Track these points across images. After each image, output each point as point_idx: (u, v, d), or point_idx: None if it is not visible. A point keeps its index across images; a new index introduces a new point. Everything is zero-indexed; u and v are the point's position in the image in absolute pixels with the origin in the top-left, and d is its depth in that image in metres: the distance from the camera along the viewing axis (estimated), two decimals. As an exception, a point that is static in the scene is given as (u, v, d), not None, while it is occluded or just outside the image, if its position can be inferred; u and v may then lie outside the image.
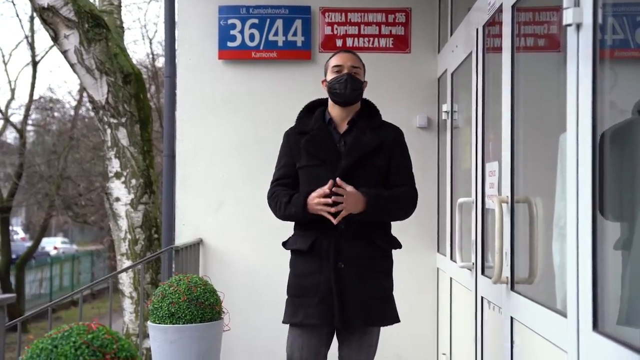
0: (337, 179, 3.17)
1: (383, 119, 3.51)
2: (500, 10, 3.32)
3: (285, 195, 3.34)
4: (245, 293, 5.40)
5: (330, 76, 3.40)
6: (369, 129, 3.35)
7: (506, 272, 3.08)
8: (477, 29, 3.91)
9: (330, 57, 3.49)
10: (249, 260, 5.49)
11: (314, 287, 3.26)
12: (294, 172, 3.40)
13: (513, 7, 3.12)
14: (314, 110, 3.49)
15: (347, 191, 3.16)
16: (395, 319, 3.34)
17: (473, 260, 3.90)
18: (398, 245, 3.41)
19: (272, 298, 5.39)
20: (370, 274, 3.28)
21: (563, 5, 2.25)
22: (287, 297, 3.39)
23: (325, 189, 3.17)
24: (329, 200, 3.17)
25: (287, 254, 3.47)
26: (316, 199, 3.21)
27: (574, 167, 2.22)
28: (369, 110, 3.49)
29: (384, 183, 3.35)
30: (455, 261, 4.37)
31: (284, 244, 3.46)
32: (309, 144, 3.34)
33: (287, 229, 3.53)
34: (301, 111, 3.52)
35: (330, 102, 3.45)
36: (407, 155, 3.45)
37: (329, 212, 3.18)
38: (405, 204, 3.37)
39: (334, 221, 3.18)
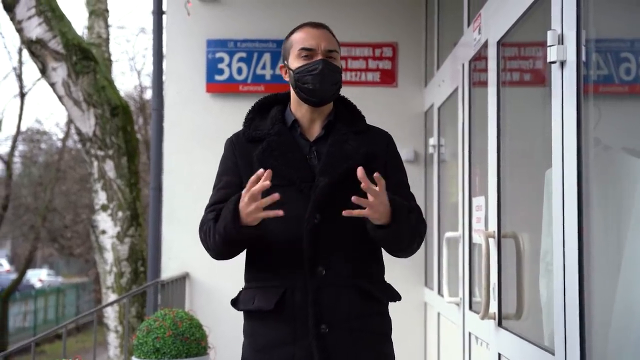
0: (359, 169, 2.09)
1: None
2: (485, 45, 3.35)
3: (213, 213, 2.30)
4: (232, 327, 5.31)
5: (295, 62, 2.36)
6: (352, 134, 2.39)
7: (493, 308, 3.07)
8: (463, 64, 3.94)
9: (293, 33, 2.42)
10: (235, 294, 5.43)
11: None
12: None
13: (498, 42, 3.15)
14: (268, 110, 2.48)
15: (380, 188, 2.13)
16: None
17: (460, 295, 3.88)
18: (396, 296, 2.41)
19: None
20: (366, 338, 2.29)
21: (547, 42, 2.28)
22: None
23: (259, 173, 2.12)
24: (254, 188, 2.10)
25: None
26: (247, 196, 2.12)
27: (560, 203, 2.23)
28: (348, 110, 2.49)
29: None
30: (442, 295, 4.36)
31: (234, 303, 2.42)
32: (266, 155, 2.33)
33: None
34: (250, 111, 2.49)
35: (293, 98, 2.43)
36: (404, 169, 2.50)
37: (273, 207, 2.12)
38: (423, 228, 2.38)
39: (279, 213, 2.13)
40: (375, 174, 2.11)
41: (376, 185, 2.12)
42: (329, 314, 2.24)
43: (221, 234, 2.22)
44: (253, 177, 2.12)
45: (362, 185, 2.09)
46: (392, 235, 2.24)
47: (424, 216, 2.43)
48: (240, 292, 2.42)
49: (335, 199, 2.21)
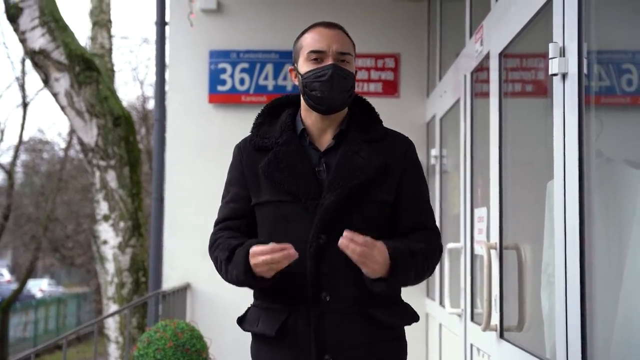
0: (346, 232, 1.94)
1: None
2: (487, 57, 3.36)
3: (226, 249, 2.11)
4: (233, 339, 5.31)
5: (305, 66, 2.17)
6: (366, 144, 2.18)
7: (495, 319, 3.06)
8: (465, 75, 3.95)
9: (304, 33, 2.23)
10: (237, 304, 5.39)
11: None
12: (248, 209, 2.20)
13: (500, 54, 3.15)
14: (279, 114, 2.28)
15: (375, 248, 1.97)
16: None
17: (462, 306, 3.87)
18: (412, 318, 2.21)
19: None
20: None
21: (549, 55, 2.28)
22: None
23: (284, 250, 1.96)
24: (275, 256, 1.95)
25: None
26: (260, 258, 1.98)
27: (561, 215, 2.23)
28: (363, 114, 2.30)
29: (391, 225, 2.18)
30: (444, 307, 4.35)
31: (240, 322, 2.27)
32: (272, 167, 2.14)
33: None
34: (260, 114, 2.29)
35: (303, 104, 2.24)
36: (424, 180, 2.30)
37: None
38: (434, 261, 2.17)
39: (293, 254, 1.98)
40: (346, 234, 1.93)
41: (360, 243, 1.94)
42: (332, 343, 2.06)
43: (233, 280, 2.10)
44: (277, 247, 1.96)
45: (341, 243, 1.93)
46: (391, 288, 2.07)
47: (440, 233, 2.26)
48: (248, 309, 2.27)
49: (343, 216, 2.03)
